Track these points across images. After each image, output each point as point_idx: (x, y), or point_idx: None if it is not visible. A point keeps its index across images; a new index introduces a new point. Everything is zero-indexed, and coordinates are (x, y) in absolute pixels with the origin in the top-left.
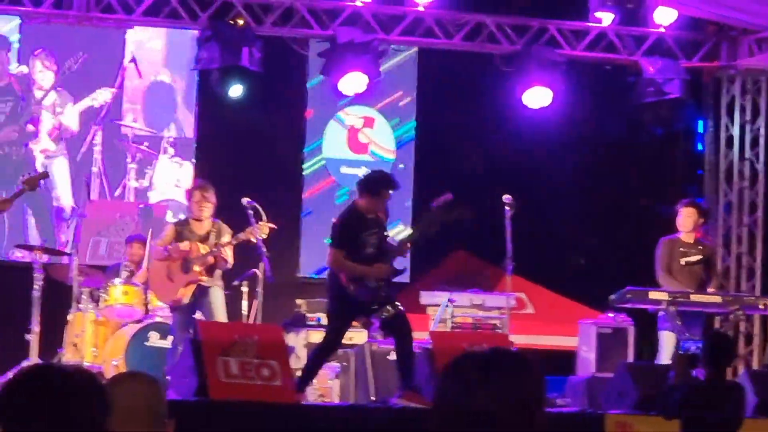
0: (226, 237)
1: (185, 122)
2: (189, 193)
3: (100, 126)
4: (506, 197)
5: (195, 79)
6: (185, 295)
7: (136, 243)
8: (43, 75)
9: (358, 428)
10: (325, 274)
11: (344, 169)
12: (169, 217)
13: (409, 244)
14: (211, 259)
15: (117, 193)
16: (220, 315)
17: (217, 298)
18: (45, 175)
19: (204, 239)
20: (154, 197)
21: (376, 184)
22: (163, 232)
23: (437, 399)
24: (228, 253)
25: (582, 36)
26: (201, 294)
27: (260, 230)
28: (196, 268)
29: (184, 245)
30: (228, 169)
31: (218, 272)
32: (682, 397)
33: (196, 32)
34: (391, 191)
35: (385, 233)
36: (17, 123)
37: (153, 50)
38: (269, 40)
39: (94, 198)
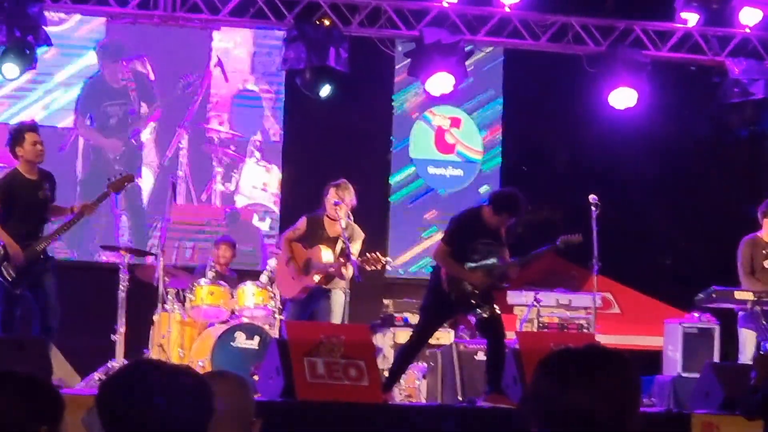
0: (357, 244)
1: (271, 127)
2: (326, 190)
3: (186, 130)
4: (592, 197)
5: (281, 83)
6: (304, 292)
7: (224, 245)
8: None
9: (445, 429)
10: (411, 274)
11: (432, 170)
12: (255, 221)
13: (518, 268)
14: (331, 271)
15: (203, 197)
16: (336, 319)
17: (336, 302)
18: (131, 178)
19: (332, 242)
20: (240, 201)
21: (499, 203)
22: (296, 224)
23: (531, 395)
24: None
25: (667, 37)
26: (320, 294)
27: (377, 262)
28: (315, 277)
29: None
30: (315, 171)
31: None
32: (764, 398)
33: (282, 33)
34: (509, 216)
35: (500, 250)
36: (125, 133)
37: (239, 58)
38: (356, 40)
39: (180, 202)
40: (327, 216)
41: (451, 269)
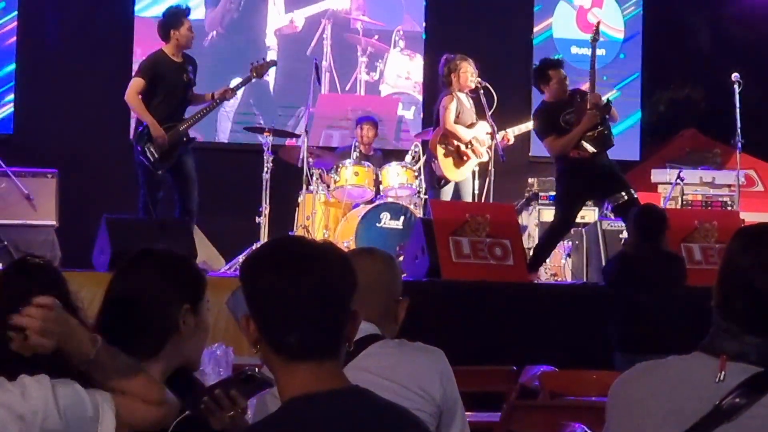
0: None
1: (415, 17)
2: (453, 66)
3: (329, 20)
4: (735, 75)
5: None
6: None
7: (367, 124)
8: None
9: (591, 307)
10: None
11: (574, 49)
12: (400, 110)
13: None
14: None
15: (347, 87)
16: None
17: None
18: (273, 63)
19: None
20: (385, 90)
21: (540, 71)
22: (446, 105)
23: (723, 272)
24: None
25: None
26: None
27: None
28: (481, 151)
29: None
30: None
31: None
32: None
33: None
34: (559, 70)
35: (576, 107)
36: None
37: None
38: None
39: (325, 92)
40: (457, 91)
41: (569, 143)
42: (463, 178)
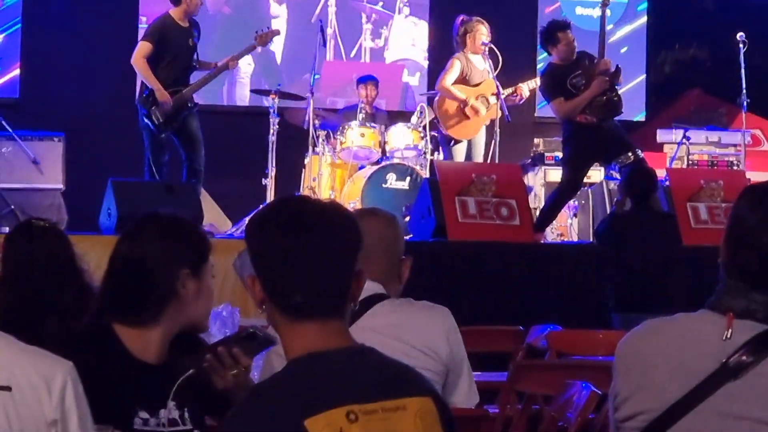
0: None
1: None
2: (468, 27)
3: None
4: (740, 34)
5: None
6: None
7: (369, 84)
8: None
9: (597, 267)
10: None
11: (579, 10)
12: (405, 77)
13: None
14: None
15: (352, 53)
16: (480, 156)
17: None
18: (277, 32)
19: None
20: (389, 57)
21: (549, 33)
22: (448, 68)
23: (730, 229)
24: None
25: None
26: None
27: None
28: (483, 111)
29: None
30: None
31: None
32: None
33: None
34: (567, 32)
35: (584, 70)
36: None
37: None
38: None
39: (330, 59)
40: (473, 53)
41: (577, 107)
42: (468, 136)
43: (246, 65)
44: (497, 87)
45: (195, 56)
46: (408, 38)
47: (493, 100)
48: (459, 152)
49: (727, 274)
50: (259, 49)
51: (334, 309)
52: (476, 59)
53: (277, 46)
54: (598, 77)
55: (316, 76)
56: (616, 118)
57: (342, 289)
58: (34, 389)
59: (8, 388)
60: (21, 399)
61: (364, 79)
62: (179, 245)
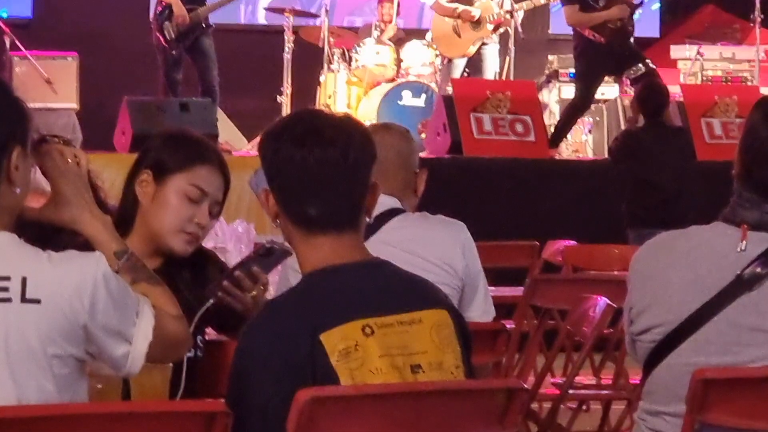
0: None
1: None
2: None
3: None
4: None
5: None
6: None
7: (387, 2)
8: None
9: (612, 182)
10: None
11: None
12: None
13: None
14: (500, 19)
15: None
16: (491, 73)
17: (491, 55)
18: None
19: None
20: None
21: None
22: None
23: (744, 142)
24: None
25: None
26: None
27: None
28: (489, 25)
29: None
30: None
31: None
32: None
33: None
34: None
35: None
36: None
37: None
38: None
39: None
40: None
41: (591, 21)
42: (454, 55)
43: None
44: (512, 5)
45: None
46: None
47: (495, 7)
48: (456, 68)
49: (741, 186)
50: None
51: (348, 222)
52: None
53: None
54: (621, 5)
55: None
56: None
57: (356, 201)
58: (63, 297)
59: (38, 301)
60: (52, 309)
61: None
62: None
